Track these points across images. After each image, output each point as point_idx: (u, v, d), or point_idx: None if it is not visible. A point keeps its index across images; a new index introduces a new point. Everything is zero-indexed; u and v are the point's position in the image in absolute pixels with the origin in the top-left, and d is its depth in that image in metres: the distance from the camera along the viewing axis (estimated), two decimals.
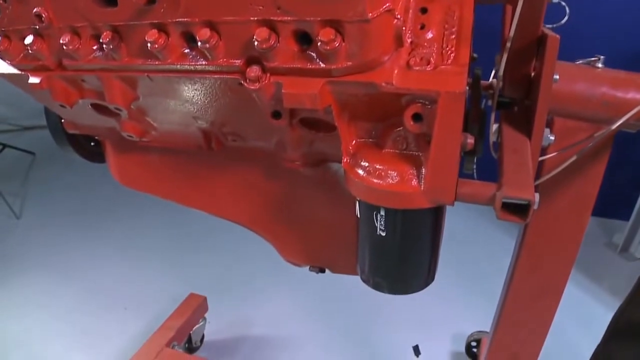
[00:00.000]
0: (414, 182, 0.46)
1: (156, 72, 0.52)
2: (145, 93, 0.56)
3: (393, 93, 0.43)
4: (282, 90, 0.46)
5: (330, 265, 0.75)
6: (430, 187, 0.45)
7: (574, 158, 0.58)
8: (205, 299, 1.51)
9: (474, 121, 0.61)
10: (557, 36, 0.49)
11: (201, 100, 0.53)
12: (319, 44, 0.43)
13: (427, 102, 0.44)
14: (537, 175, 0.65)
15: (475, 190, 0.47)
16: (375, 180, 0.47)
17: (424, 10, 0.52)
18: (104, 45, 0.51)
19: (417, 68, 0.45)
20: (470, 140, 0.46)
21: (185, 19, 0.46)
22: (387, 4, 0.41)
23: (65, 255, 1.97)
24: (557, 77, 0.57)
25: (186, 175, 0.75)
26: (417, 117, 0.47)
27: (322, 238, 0.71)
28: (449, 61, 0.46)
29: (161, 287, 1.75)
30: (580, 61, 0.65)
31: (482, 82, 0.62)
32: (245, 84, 0.48)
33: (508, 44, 0.50)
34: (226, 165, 0.72)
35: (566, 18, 0.62)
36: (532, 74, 0.58)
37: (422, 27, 0.50)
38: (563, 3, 0.63)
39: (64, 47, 0.51)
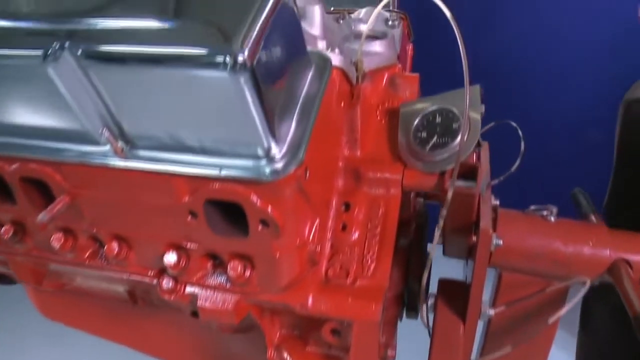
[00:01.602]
0: None
1: (67, 264, 0.56)
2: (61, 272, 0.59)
3: None
4: (197, 304, 0.52)
5: None
6: None
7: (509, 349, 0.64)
8: None
9: (416, 269, 0.68)
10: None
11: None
12: (229, 272, 0.49)
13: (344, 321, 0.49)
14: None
15: None
16: None
17: (347, 207, 0.57)
18: (6, 237, 0.55)
19: (335, 281, 0.50)
20: (391, 352, 0.53)
21: (92, 229, 0.49)
22: (297, 240, 0.45)
23: None
24: (501, 242, 0.63)
25: (115, 314, 0.79)
26: (335, 332, 0.53)
27: None
28: (369, 272, 0.52)
29: None
30: (533, 207, 0.71)
31: None
32: (160, 292, 0.53)
33: (440, 222, 0.56)
34: (157, 307, 0.76)
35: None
36: (472, 242, 0.64)
37: (344, 228, 0.56)
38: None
39: None
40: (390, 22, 0.71)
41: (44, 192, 0.48)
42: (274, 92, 0.39)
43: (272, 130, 0.39)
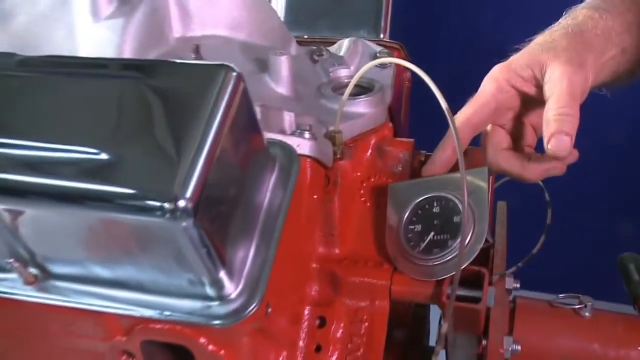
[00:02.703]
0: None
1: None
2: None
3: None
4: None
5: None
6: None
7: None
8: None
9: None
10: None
11: None
12: None
13: None
14: None
15: None
16: None
17: (322, 322, 0.60)
18: None
19: None
20: None
21: None
22: None
23: None
24: (519, 347, 0.66)
25: None
26: None
27: None
28: None
29: None
30: (562, 296, 0.73)
31: None
32: None
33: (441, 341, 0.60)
34: None
35: None
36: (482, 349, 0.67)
37: (318, 349, 0.57)
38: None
39: None
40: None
41: None
42: (224, 225, 0.42)
43: (224, 267, 0.43)
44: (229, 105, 0.40)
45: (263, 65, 0.65)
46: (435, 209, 0.59)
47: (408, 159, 0.66)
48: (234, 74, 0.41)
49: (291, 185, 0.50)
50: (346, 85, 0.63)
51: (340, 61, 0.73)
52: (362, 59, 0.75)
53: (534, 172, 0.64)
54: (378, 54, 0.74)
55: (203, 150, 0.39)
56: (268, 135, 0.52)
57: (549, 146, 0.57)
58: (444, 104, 0.55)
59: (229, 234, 0.43)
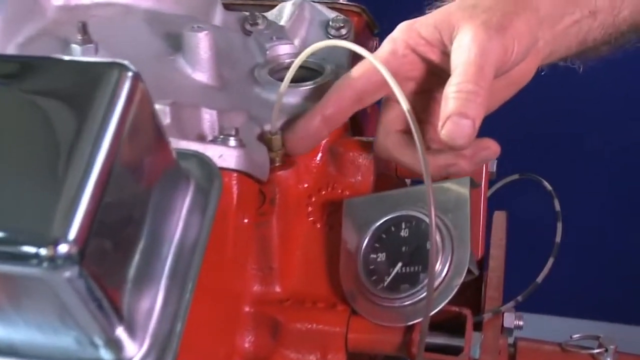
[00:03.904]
0: None
1: None
2: None
3: None
4: None
5: None
6: None
7: None
8: None
9: None
10: None
11: None
12: None
13: None
14: None
15: None
16: None
17: None
18: None
19: None
20: None
21: None
22: None
23: None
24: None
25: None
26: None
27: None
28: None
29: None
30: (576, 337, 0.76)
31: None
32: None
33: None
34: None
35: None
36: None
37: None
38: None
39: None
40: (333, 31, 0.77)
41: None
42: (121, 270, 0.44)
43: (122, 322, 0.45)
44: (124, 116, 0.42)
45: (176, 43, 0.67)
46: (403, 233, 0.62)
47: (370, 165, 0.68)
48: (130, 74, 0.43)
49: (211, 210, 0.52)
50: (288, 67, 0.65)
51: (280, 33, 0.75)
52: (311, 29, 0.78)
53: (430, 166, 0.63)
54: (331, 22, 0.77)
55: (91, 176, 0.40)
56: (180, 144, 0.55)
57: (442, 131, 0.58)
58: (405, 104, 0.57)
59: (128, 281, 0.45)
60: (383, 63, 0.61)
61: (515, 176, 0.82)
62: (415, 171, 0.63)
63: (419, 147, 0.56)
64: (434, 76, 0.66)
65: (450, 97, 0.58)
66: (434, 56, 0.65)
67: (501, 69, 0.62)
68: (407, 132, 0.65)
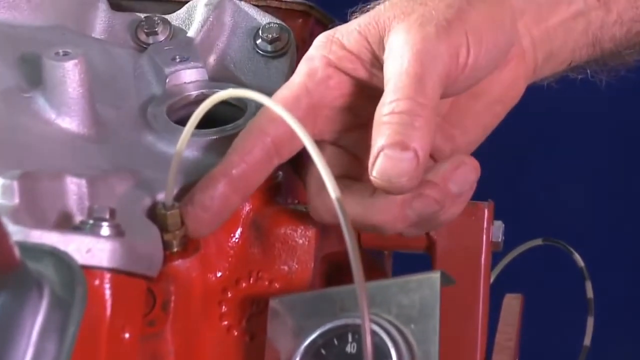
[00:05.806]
0: None
1: None
2: None
3: None
4: None
5: None
6: None
7: None
8: None
9: None
10: None
11: None
12: None
13: None
14: None
15: None
16: None
17: None
18: None
19: None
20: None
21: None
22: None
23: None
24: None
25: None
26: None
27: None
28: None
29: None
30: None
31: None
32: None
33: None
34: None
35: None
36: None
37: None
38: None
39: None
40: (264, 44, 0.83)
41: None
42: None
43: None
44: None
45: (35, 74, 0.72)
46: (350, 348, 0.68)
47: (310, 246, 0.74)
48: None
49: (73, 329, 0.57)
50: (195, 102, 0.72)
51: (187, 50, 0.80)
52: (233, 40, 0.83)
53: (385, 214, 0.68)
54: (261, 32, 0.82)
55: None
56: (32, 235, 0.60)
57: (374, 171, 0.63)
58: (306, 139, 0.60)
59: None
60: (299, 92, 0.67)
61: (539, 241, 0.90)
62: (368, 226, 0.69)
63: (340, 215, 0.59)
64: (371, 99, 0.70)
65: (382, 122, 0.63)
66: (363, 72, 0.70)
67: (455, 79, 0.66)
68: (348, 176, 0.72)
